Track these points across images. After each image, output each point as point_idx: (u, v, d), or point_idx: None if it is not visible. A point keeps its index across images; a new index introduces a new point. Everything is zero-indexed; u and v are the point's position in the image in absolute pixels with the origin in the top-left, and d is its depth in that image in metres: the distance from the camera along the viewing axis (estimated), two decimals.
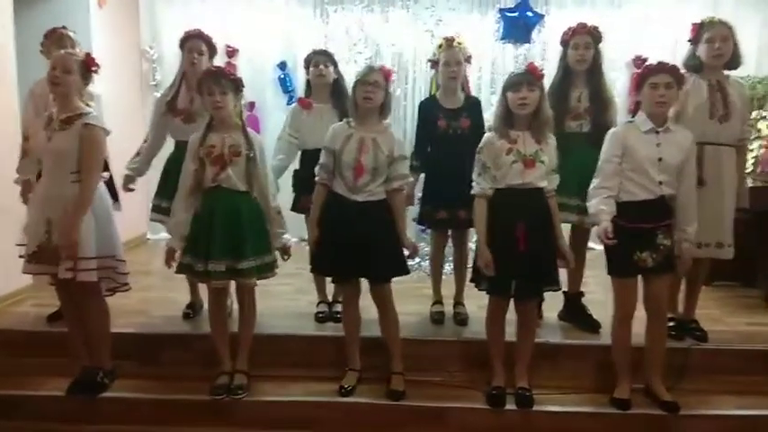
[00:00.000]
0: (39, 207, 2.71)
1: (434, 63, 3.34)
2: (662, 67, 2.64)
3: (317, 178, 2.83)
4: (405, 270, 2.82)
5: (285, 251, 2.86)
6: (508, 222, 2.67)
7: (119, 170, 3.30)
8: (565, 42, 3.16)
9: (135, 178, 3.29)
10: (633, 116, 2.77)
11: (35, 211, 2.73)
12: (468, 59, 3.33)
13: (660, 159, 2.63)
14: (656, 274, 2.71)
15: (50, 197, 2.67)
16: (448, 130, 3.16)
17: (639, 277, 2.74)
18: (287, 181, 3.41)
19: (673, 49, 4.89)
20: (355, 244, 2.70)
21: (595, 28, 3.13)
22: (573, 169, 3.01)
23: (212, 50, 3.27)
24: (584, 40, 3.09)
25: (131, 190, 3.30)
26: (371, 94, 2.71)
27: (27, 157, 3.10)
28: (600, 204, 2.68)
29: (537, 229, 2.67)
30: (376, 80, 2.72)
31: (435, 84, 3.39)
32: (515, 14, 5.13)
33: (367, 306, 2.94)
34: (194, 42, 3.19)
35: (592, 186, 2.74)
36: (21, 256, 2.78)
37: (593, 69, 3.13)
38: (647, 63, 2.74)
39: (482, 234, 2.72)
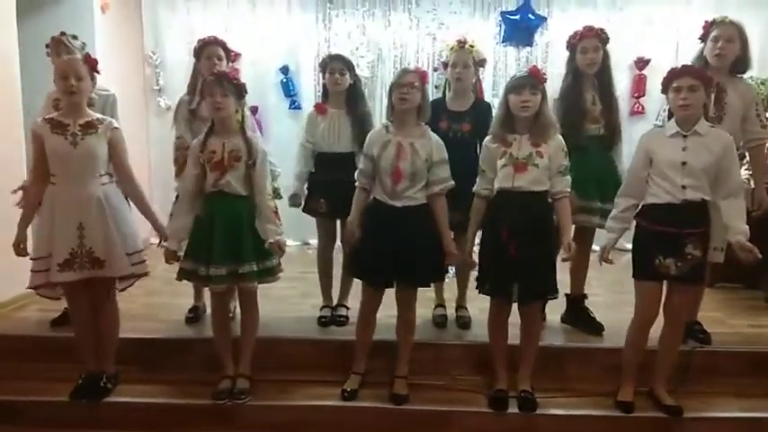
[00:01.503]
0: (65, 213, 2.68)
1: (445, 65, 3.34)
2: (685, 71, 2.64)
3: (357, 183, 2.85)
4: (442, 276, 2.88)
5: (273, 247, 2.74)
6: (496, 225, 2.70)
7: None
8: (572, 46, 3.15)
9: None
10: (669, 119, 2.75)
11: (63, 218, 2.68)
12: (480, 63, 3.31)
13: (684, 163, 2.60)
14: (680, 284, 2.67)
15: (81, 201, 2.67)
16: (449, 132, 3.16)
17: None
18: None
19: (674, 50, 4.92)
20: (395, 249, 2.70)
21: (602, 30, 3.13)
22: (593, 172, 3.04)
23: (228, 54, 3.28)
24: (592, 43, 3.09)
25: None
26: (407, 96, 2.71)
27: None
28: (613, 221, 2.76)
29: (526, 233, 2.64)
30: (411, 81, 2.72)
31: (448, 86, 3.38)
32: (517, 17, 5.13)
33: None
34: (212, 49, 3.20)
35: (618, 194, 2.79)
36: (35, 270, 2.72)
37: (603, 72, 3.14)
38: (672, 67, 2.70)
39: (471, 230, 2.81)
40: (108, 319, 2.85)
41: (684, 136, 2.63)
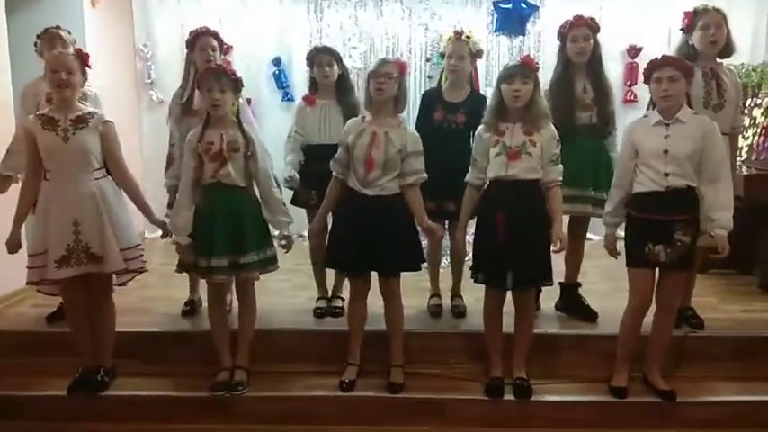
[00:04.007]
0: (60, 210, 2.67)
1: (443, 56, 3.33)
2: (665, 61, 2.64)
3: (333, 172, 2.85)
4: (416, 266, 2.86)
5: (288, 242, 2.85)
6: (489, 213, 2.71)
7: None
8: (563, 36, 3.14)
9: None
10: (653, 109, 2.75)
11: (58, 215, 2.67)
12: (477, 54, 3.30)
13: (666, 151, 2.62)
14: (670, 270, 2.70)
15: (75, 197, 2.66)
16: (443, 122, 3.17)
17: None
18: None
19: (666, 38, 4.93)
20: (366, 238, 2.72)
21: (592, 19, 3.13)
22: (586, 161, 3.05)
23: (222, 45, 3.27)
24: (582, 32, 3.08)
25: None
26: (383, 86, 2.71)
27: (10, 155, 3.10)
28: (607, 217, 2.81)
29: (520, 221, 2.66)
30: (388, 71, 2.72)
31: (445, 76, 3.37)
32: (509, 6, 5.12)
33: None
34: (206, 40, 3.17)
35: (612, 184, 2.82)
36: (30, 267, 2.72)
37: (593, 61, 3.13)
38: (653, 58, 2.70)
39: (463, 218, 2.85)
40: (105, 315, 2.85)
41: (666, 124, 2.65)
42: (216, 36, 3.22)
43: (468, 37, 3.21)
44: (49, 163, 2.68)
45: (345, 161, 2.80)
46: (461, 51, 3.18)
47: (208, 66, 3.06)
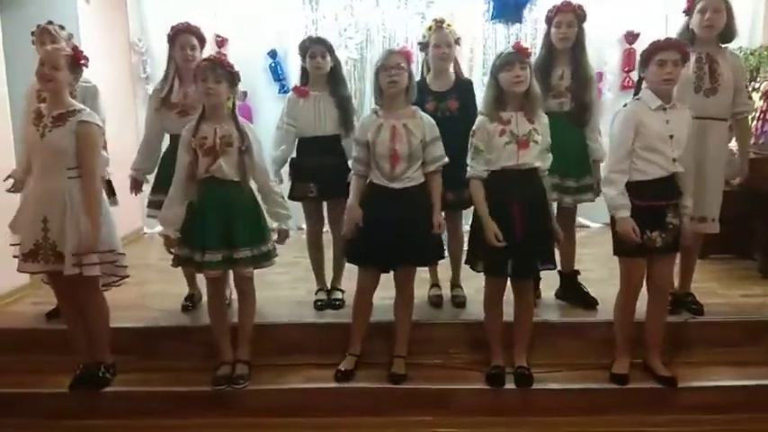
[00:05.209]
0: (34, 205, 2.70)
1: (425, 45, 3.32)
2: (670, 44, 2.62)
3: (353, 171, 2.85)
4: (442, 254, 2.90)
5: (282, 235, 2.84)
6: (503, 204, 2.67)
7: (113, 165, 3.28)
8: (549, 20, 3.14)
9: (141, 178, 3.28)
10: (636, 93, 2.74)
11: (30, 209, 2.72)
12: (456, 41, 3.29)
13: (671, 136, 2.61)
14: (664, 254, 2.71)
15: (46, 194, 2.67)
16: (436, 112, 3.14)
17: None
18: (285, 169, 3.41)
19: (664, 23, 4.89)
20: (393, 234, 2.70)
21: (579, 6, 3.11)
22: (553, 148, 3.01)
23: (202, 42, 3.25)
24: (567, 18, 3.07)
25: (140, 191, 3.30)
26: (396, 77, 2.70)
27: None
28: (619, 198, 2.64)
29: (532, 209, 2.68)
30: (398, 63, 2.71)
31: (426, 66, 3.36)
32: None
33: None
34: (185, 38, 3.16)
35: (607, 170, 2.72)
36: (15, 256, 2.78)
37: (576, 48, 3.12)
38: (655, 39, 2.67)
39: (484, 210, 2.68)
40: (92, 313, 2.82)
41: (664, 109, 2.63)
42: (196, 33, 3.20)
43: (449, 25, 3.21)
44: (32, 157, 2.71)
45: (366, 159, 2.79)
46: (449, 39, 3.17)
47: (186, 64, 3.08)
